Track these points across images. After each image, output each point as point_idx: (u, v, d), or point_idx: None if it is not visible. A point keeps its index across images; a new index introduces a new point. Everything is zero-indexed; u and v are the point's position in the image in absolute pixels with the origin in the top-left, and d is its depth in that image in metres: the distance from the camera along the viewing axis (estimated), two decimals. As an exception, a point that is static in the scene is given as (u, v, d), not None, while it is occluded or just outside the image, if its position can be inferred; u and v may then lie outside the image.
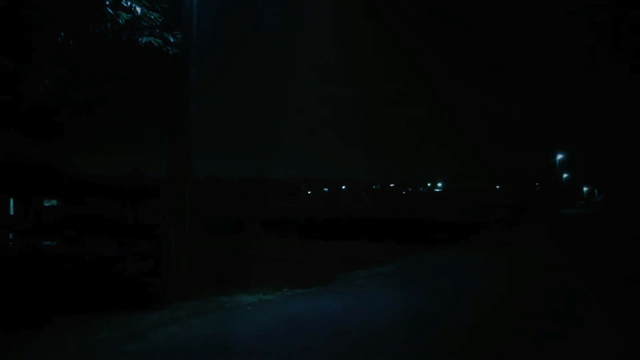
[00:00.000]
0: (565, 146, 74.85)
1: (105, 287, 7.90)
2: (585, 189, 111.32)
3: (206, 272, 9.14)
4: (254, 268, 10.68)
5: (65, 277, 8.22)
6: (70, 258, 9.23)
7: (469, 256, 13.75)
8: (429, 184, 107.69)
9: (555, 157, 70.05)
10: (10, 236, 10.71)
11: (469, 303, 7.76)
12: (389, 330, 6.06)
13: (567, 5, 10.53)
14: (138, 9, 7.05)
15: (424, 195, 79.80)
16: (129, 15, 6.95)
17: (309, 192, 77.46)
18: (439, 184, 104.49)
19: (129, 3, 7.00)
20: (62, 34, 6.84)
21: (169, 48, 7.63)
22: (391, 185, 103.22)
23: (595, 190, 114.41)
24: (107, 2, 6.78)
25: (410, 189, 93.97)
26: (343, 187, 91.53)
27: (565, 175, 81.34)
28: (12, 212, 12.73)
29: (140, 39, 7.30)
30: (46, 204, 15.46)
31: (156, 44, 7.40)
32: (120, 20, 6.82)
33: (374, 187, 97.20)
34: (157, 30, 7.47)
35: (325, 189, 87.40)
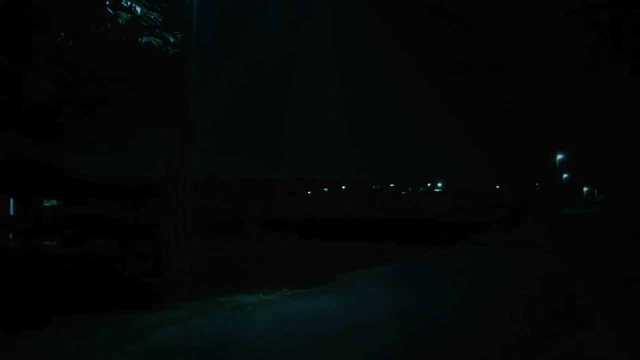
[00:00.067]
0: (565, 146, 74.86)
1: (105, 287, 7.90)
2: (585, 189, 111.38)
3: (206, 272, 9.14)
4: (254, 268, 10.68)
5: (65, 277, 8.21)
6: (70, 258, 9.22)
7: (468, 256, 13.76)
8: (429, 184, 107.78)
9: (555, 157, 70.02)
10: (10, 236, 10.70)
11: (469, 303, 7.76)
12: (389, 330, 6.07)
13: (567, 5, 10.52)
14: (138, 9, 7.05)
15: (424, 195, 79.83)
16: (129, 15, 6.95)
17: (309, 192, 77.46)
18: (439, 184, 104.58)
19: (129, 3, 6.99)
20: (62, 34, 6.84)
21: (169, 48, 7.62)
22: (391, 185, 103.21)
23: (595, 191, 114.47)
24: (107, 2, 6.78)
25: (410, 189, 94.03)
26: (343, 187, 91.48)
27: (565, 176, 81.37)
28: (12, 212, 12.73)
29: (140, 39, 7.30)
30: (46, 204, 15.45)
31: (156, 44, 7.39)
32: (120, 20, 6.82)
33: (373, 187, 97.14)
34: (157, 30, 7.47)
35: (325, 189, 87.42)
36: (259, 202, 36.64)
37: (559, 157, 69.82)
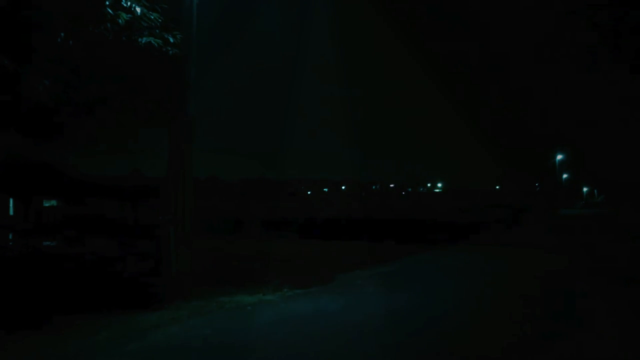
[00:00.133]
0: (565, 146, 74.85)
1: (105, 287, 7.90)
2: (585, 189, 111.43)
3: (206, 272, 9.14)
4: (254, 268, 10.69)
5: (65, 277, 8.21)
6: (70, 258, 9.21)
7: (468, 256, 13.76)
8: (429, 184, 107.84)
9: (555, 157, 70.04)
10: (10, 236, 10.69)
11: (469, 303, 7.76)
12: (389, 331, 6.07)
13: (567, 5, 10.53)
14: (138, 9, 7.05)
15: (424, 195, 79.85)
16: (129, 15, 6.95)
17: (309, 192, 77.49)
18: (439, 184, 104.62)
19: (128, 3, 7.00)
20: (62, 34, 6.84)
21: (169, 48, 7.63)
22: (391, 185, 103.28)
23: (595, 191, 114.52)
24: (107, 2, 6.78)
25: (410, 189, 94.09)
26: (343, 187, 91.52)
27: (565, 176, 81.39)
28: (12, 212, 12.72)
29: (140, 39, 7.30)
30: (46, 204, 15.43)
31: (156, 44, 7.40)
32: (120, 21, 6.82)
33: (373, 187, 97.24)
34: (157, 31, 7.48)
35: (325, 189, 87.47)
36: (259, 202, 36.64)
37: (559, 157, 69.89)
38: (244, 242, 17.00)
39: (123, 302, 7.23)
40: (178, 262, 7.89)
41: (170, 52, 7.65)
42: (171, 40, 7.63)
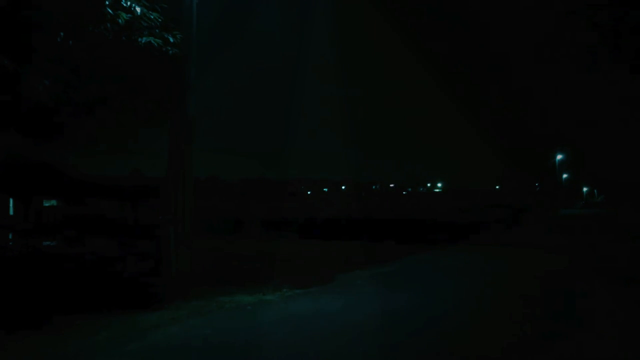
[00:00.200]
0: (565, 146, 74.89)
1: (105, 287, 7.90)
2: (585, 189, 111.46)
3: (206, 272, 9.14)
4: (254, 268, 10.69)
5: (65, 277, 8.21)
6: (70, 258, 9.21)
7: (468, 256, 13.75)
8: (429, 184, 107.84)
9: (555, 157, 70.06)
10: (10, 236, 10.69)
11: (469, 303, 7.76)
12: (389, 330, 6.07)
13: (567, 5, 10.53)
14: (138, 9, 7.05)
15: (424, 195, 79.82)
16: (129, 15, 6.95)
17: (309, 192, 77.47)
18: (439, 184, 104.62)
19: (128, 3, 7.00)
20: (62, 34, 6.84)
21: (169, 48, 7.63)
22: (391, 185, 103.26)
23: (595, 191, 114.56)
24: (107, 2, 6.78)
25: (410, 189, 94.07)
26: (343, 187, 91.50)
27: (565, 176, 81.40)
28: (12, 212, 12.71)
29: (140, 39, 7.30)
30: (46, 204, 15.42)
31: (156, 44, 7.40)
32: (120, 20, 6.82)
33: (373, 187, 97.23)
34: (157, 31, 7.48)
35: (325, 189, 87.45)
36: (259, 202, 36.63)
37: (559, 157, 69.93)
38: (244, 242, 17.00)
39: (123, 302, 7.23)
40: (178, 262, 7.89)
41: (170, 52, 7.66)
42: (171, 40, 7.63)
